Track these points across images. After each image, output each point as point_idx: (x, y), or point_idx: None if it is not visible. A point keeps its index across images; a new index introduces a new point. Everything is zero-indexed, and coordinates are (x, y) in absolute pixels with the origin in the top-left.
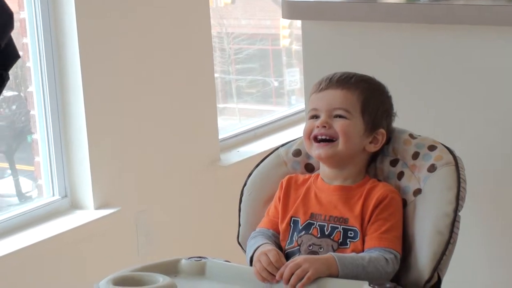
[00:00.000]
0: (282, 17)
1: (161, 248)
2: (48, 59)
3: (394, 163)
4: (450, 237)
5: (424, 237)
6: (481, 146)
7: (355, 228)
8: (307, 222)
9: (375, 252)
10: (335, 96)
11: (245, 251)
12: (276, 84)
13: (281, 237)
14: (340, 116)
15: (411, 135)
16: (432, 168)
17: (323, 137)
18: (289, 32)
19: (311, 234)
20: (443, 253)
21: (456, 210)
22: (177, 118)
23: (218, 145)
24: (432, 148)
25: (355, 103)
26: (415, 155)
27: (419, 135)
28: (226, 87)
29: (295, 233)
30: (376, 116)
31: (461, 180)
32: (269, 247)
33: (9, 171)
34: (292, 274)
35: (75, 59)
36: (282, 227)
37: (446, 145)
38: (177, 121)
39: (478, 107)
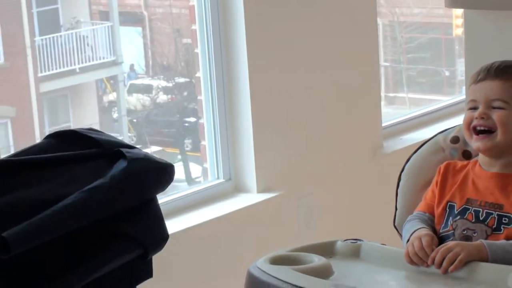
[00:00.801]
0: (445, 6)
1: (321, 232)
2: (215, 45)
3: None
4: None
5: None
6: None
7: (510, 215)
8: (463, 207)
9: None
10: (493, 87)
11: (400, 235)
12: (447, 73)
13: (436, 220)
14: (498, 107)
15: None
16: None
17: (482, 128)
18: (462, 21)
19: (466, 219)
20: None
21: None
22: (342, 104)
23: (381, 132)
24: None
25: None
26: None
27: None
28: (397, 76)
29: (451, 218)
30: None
31: None
32: (424, 232)
33: (179, 157)
34: (444, 258)
35: (242, 46)
36: (438, 211)
37: None
38: (341, 107)
39: None
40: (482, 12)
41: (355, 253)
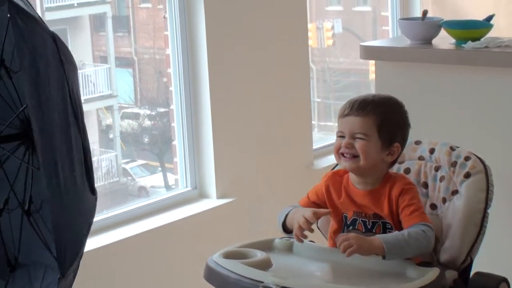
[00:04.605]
0: (360, 58)
1: (265, 231)
2: (185, 85)
3: (437, 169)
4: (481, 229)
5: (461, 228)
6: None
7: (390, 222)
8: (353, 218)
9: (412, 227)
10: (355, 123)
11: (323, 235)
12: None
13: (334, 231)
14: (360, 138)
15: (451, 147)
16: (467, 175)
17: (348, 155)
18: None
19: (357, 229)
20: (475, 241)
21: (486, 208)
22: (282, 130)
23: (312, 153)
24: (467, 158)
25: (371, 127)
26: (454, 164)
27: (458, 147)
28: (327, 109)
29: (345, 227)
30: (391, 134)
31: (490, 185)
32: (303, 209)
33: (159, 169)
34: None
35: (205, 88)
36: (335, 223)
37: (480, 156)
38: (282, 133)
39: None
40: (390, 63)
41: (289, 248)
